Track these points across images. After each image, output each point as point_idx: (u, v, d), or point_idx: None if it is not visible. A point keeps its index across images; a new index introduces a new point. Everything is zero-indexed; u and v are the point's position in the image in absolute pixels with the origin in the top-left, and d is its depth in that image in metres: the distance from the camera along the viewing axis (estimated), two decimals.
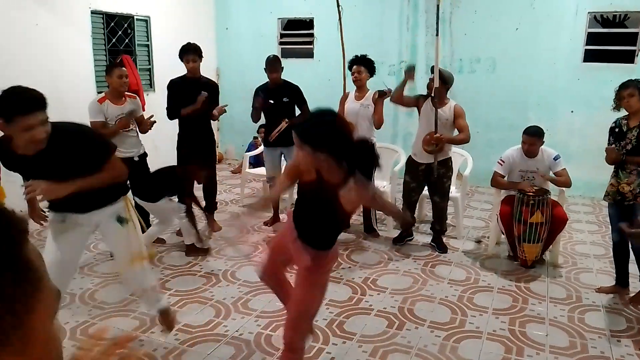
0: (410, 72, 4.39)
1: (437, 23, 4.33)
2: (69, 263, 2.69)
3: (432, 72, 4.38)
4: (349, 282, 3.96)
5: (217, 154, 5.04)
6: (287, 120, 4.78)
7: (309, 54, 7.54)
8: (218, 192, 5.53)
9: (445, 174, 4.48)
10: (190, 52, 4.55)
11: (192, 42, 4.62)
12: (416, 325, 3.35)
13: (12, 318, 0.56)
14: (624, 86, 3.59)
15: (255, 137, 7.53)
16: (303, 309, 2.41)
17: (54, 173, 2.37)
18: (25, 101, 2.18)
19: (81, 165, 2.41)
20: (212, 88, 4.72)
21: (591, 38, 6.24)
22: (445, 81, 4.34)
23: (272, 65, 4.77)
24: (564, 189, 4.38)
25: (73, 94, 5.55)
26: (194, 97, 4.50)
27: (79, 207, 2.61)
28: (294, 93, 4.89)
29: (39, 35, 5.33)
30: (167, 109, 4.60)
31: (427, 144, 4.33)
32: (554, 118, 6.30)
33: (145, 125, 4.39)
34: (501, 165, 4.38)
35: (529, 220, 4.07)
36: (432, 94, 4.32)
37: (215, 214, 5.17)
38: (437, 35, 4.35)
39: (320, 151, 2.10)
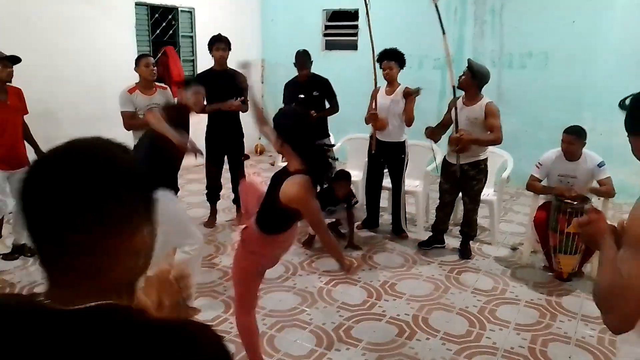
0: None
1: (440, 20, 4.08)
2: None
3: (466, 68, 4.14)
4: (365, 285, 3.82)
5: (244, 147, 5.00)
6: (315, 112, 4.69)
7: (353, 46, 7.38)
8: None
9: (474, 177, 4.22)
10: (219, 42, 4.58)
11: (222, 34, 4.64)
12: (428, 336, 3.18)
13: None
14: None
15: None
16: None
17: None
18: None
19: None
20: (239, 80, 4.68)
21: None
22: (475, 76, 4.07)
23: (302, 61, 4.72)
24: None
25: (116, 85, 5.65)
26: (221, 90, 4.50)
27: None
28: (324, 87, 4.80)
29: (83, 27, 5.51)
30: None
31: (451, 143, 4.11)
32: (611, 120, 5.78)
33: None
34: (538, 168, 4.09)
35: (566, 229, 3.77)
36: (466, 89, 4.08)
37: None
38: (443, 34, 4.09)
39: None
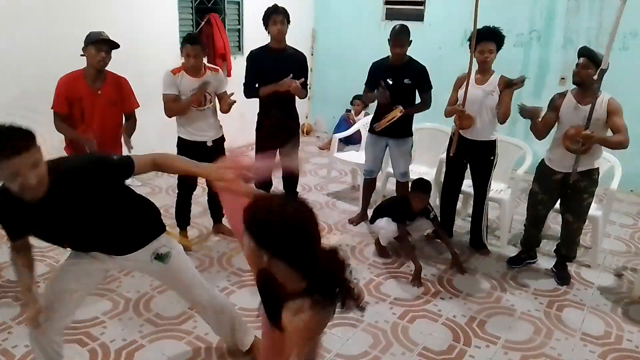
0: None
1: None
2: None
3: (580, 55, 3.31)
4: (448, 323, 3.14)
5: (300, 137, 4.28)
6: (402, 109, 3.94)
7: (419, 17, 6.50)
8: (301, 174, 4.85)
9: (587, 189, 3.46)
10: (277, 14, 3.77)
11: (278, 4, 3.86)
12: None
13: None
14: None
15: (348, 110, 6.74)
16: None
17: (73, 221, 1.89)
18: (9, 141, 1.64)
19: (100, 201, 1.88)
20: (299, 60, 3.95)
21: None
22: (600, 67, 3.22)
23: (399, 37, 3.89)
24: None
25: (155, 54, 5.13)
26: (277, 72, 3.78)
27: (112, 248, 2.14)
28: (419, 75, 4.01)
29: None
30: (244, 85, 3.92)
31: (572, 140, 3.29)
32: None
33: (224, 104, 3.75)
34: None
35: None
36: (584, 85, 3.27)
37: None
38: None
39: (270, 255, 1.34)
